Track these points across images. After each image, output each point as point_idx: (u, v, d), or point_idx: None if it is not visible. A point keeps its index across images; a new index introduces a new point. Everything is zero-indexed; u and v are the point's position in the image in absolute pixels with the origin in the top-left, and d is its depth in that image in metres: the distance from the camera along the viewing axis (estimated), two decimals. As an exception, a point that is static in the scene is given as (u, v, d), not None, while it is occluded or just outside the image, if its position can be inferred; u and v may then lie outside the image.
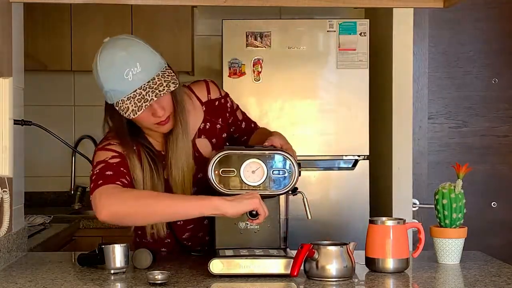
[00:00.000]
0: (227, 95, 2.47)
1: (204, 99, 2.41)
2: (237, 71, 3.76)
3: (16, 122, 2.28)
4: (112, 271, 2.12)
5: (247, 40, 3.77)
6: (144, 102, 2.12)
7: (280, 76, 3.78)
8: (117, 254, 2.12)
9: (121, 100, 2.15)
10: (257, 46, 3.77)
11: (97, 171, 2.18)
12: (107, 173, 2.17)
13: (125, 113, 2.15)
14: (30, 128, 2.36)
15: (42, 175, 4.54)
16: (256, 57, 3.77)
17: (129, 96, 2.13)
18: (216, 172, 2.12)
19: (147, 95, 2.13)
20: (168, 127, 2.26)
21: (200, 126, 2.38)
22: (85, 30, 4.32)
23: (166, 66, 2.20)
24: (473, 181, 3.75)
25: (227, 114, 2.45)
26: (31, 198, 4.41)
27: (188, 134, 2.30)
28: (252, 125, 2.56)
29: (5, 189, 2.20)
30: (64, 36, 4.31)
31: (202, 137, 2.38)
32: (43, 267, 2.27)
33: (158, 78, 2.15)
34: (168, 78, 2.17)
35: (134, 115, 2.14)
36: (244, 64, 3.77)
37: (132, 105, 2.13)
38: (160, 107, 2.18)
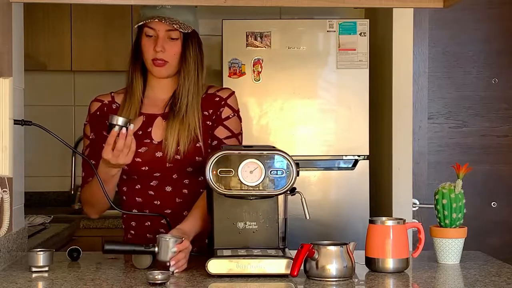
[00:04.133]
0: (233, 109, 2.58)
1: (210, 91, 2.59)
2: (237, 71, 3.76)
3: (16, 122, 2.28)
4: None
5: (247, 40, 3.77)
6: (147, 19, 2.44)
7: (280, 76, 3.78)
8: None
9: (142, 20, 2.48)
10: (257, 46, 3.77)
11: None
12: (82, 174, 2.56)
13: (135, 24, 2.50)
14: (30, 128, 2.36)
15: (42, 175, 4.54)
16: (256, 57, 3.77)
17: (147, 17, 2.46)
18: (214, 172, 2.12)
19: (154, 18, 2.44)
20: (160, 72, 2.50)
21: None
22: (85, 30, 4.32)
23: (192, 27, 2.49)
24: (473, 181, 3.75)
25: (215, 115, 2.55)
26: (31, 198, 4.43)
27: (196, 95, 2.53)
28: None
29: (5, 189, 2.20)
30: (64, 36, 4.31)
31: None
32: (43, 267, 2.27)
33: (174, 20, 2.45)
34: (182, 26, 2.44)
35: (135, 24, 2.49)
36: (244, 64, 3.77)
37: (141, 21, 2.46)
38: (162, 45, 2.46)
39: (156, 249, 2.13)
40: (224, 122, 2.54)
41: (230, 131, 2.55)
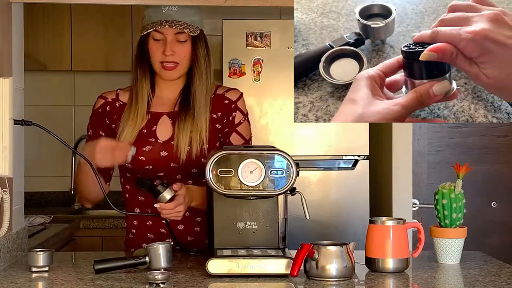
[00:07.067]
0: (243, 113, 2.57)
1: (219, 92, 2.58)
2: (237, 71, 3.76)
3: (16, 122, 2.28)
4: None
5: (247, 40, 3.77)
6: (156, 25, 2.42)
7: (280, 76, 3.78)
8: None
9: (147, 24, 2.46)
10: (257, 46, 3.77)
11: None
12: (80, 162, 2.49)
13: (142, 31, 2.47)
14: (30, 128, 2.36)
15: (42, 175, 4.54)
16: (256, 57, 3.77)
17: (154, 21, 2.44)
18: (214, 172, 2.12)
19: (162, 23, 2.42)
20: (170, 75, 2.48)
21: None
22: (85, 30, 4.32)
23: (199, 28, 2.49)
24: (473, 181, 3.75)
25: (226, 119, 2.54)
26: (31, 198, 4.43)
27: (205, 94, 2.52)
28: None
29: (5, 189, 2.20)
30: (64, 36, 4.32)
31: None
32: (43, 267, 2.27)
33: (182, 23, 2.43)
34: (191, 29, 2.44)
35: (143, 31, 2.46)
36: (244, 64, 3.77)
37: (149, 26, 2.44)
38: (172, 48, 2.44)
39: (147, 259, 2.13)
40: (237, 128, 2.55)
41: (242, 137, 2.55)
